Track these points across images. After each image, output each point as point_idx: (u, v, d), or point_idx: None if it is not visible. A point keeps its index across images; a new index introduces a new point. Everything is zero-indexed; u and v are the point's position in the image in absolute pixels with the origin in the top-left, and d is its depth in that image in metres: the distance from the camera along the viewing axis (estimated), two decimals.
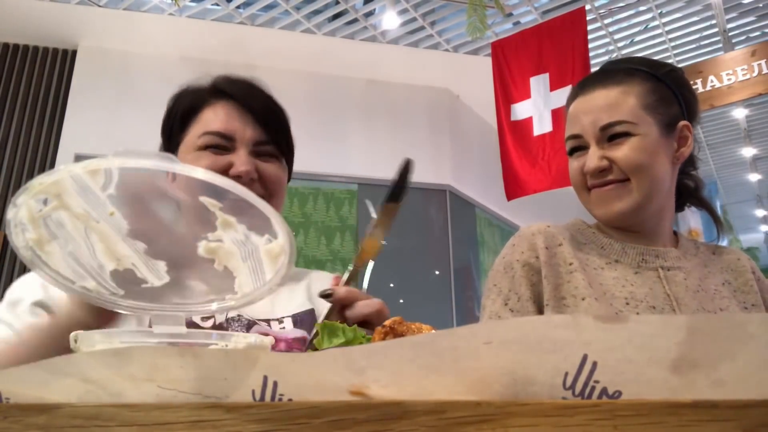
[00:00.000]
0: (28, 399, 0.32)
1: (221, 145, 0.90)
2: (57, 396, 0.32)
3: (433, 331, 0.49)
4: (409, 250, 4.25)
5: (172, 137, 0.95)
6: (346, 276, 0.79)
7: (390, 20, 4.19)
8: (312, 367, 0.29)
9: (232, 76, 0.96)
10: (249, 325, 0.84)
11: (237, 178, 0.86)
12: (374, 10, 4.26)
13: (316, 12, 4.23)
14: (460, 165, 4.90)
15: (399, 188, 0.82)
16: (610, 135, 1.02)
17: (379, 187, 4.45)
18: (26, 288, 0.83)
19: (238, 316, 0.85)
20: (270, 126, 0.94)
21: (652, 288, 1.00)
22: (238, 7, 4.11)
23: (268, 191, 0.92)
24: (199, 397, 0.30)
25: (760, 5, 4.27)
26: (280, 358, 0.30)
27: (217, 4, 4.08)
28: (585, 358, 0.27)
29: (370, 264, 0.81)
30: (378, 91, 4.75)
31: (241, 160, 0.88)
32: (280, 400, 0.29)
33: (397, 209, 0.83)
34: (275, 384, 0.29)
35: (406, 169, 0.81)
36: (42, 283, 0.81)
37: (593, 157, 1.02)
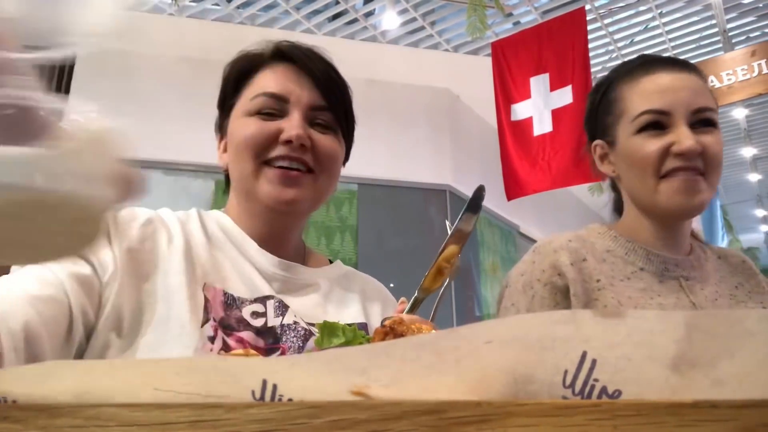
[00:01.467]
0: (28, 399, 0.32)
1: (273, 108, 0.81)
2: (57, 396, 0.32)
3: (433, 331, 0.49)
4: (409, 250, 4.25)
5: (225, 104, 0.88)
6: (409, 305, 0.75)
7: (390, 20, 4.19)
8: (312, 368, 0.29)
9: (296, 42, 0.88)
10: (306, 336, 0.77)
11: (287, 143, 0.79)
12: (374, 10, 4.26)
13: (316, 12, 4.23)
14: (460, 165, 4.90)
15: (473, 206, 0.78)
16: (701, 120, 0.94)
17: (379, 187, 4.45)
18: None
19: (294, 323, 0.78)
20: (329, 90, 0.85)
21: (678, 298, 0.97)
22: (238, 7, 4.11)
23: (320, 166, 0.82)
24: (199, 397, 0.30)
25: (760, 5, 4.28)
26: (280, 364, 0.30)
27: (217, 4, 4.08)
28: (584, 355, 0.27)
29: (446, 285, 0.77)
30: (378, 91, 4.75)
31: (291, 123, 0.80)
32: (279, 400, 0.30)
33: (470, 229, 0.79)
34: (275, 386, 0.30)
35: (479, 193, 0.77)
36: None
37: (690, 137, 0.92)
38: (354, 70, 4.43)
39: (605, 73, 1.11)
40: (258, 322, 0.76)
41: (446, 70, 4.81)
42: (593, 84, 1.20)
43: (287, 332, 0.76)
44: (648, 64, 1.00)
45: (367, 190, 4.48)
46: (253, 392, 0.30)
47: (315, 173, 0.83)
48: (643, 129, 0.96)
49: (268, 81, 0.83)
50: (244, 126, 0.82)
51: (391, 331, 0.47)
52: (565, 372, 0.27)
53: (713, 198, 7.06)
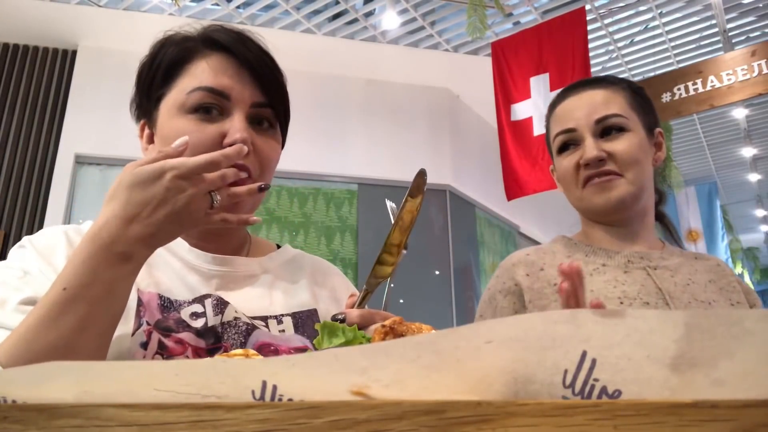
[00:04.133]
0: (28, 399, 0.32)
1: (213, 104, 0.76)
2: (57, 396, 0.32)
3: (433, 331, 0.49)
4: (409, 250, 4.24)
5: (151, 91, 0.81)
6: (360, 297, 0.72)
7: (390, 20, 4.19)
8: (312, 368, 0.29)
9: (226, 25, 0.82)
10: (248, 331, 0.74)
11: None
12: (374, 10, 4.26)
13: (316, 12, 4.23)
14: (460, 165, 4.90)
15: (413, 190, 0.77)
16: (606, 127, 1.05)
17: (379, 187, 4.45)
18: (8, 277, 0.69)
19: (235, 319, 0.75)
20: (269, 85, 0.81)
21: (643, 285, 1.02)
22: (238, 7, 4.11)
23: (259, 170, 0.78)
24: (198, 398, 0.30)
25: (760, 5, 4.27)
26: (279, 364, 0.30)
27: (217, 4, 4.09)
28: (584, 354, 0.27)
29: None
30: (378, 91, 4.75)
31: (236, 126, 0.75)
32: (280, 400, 0.30)
33: (414, 212, 0.77)
34: (275, 387, 0.30)
35: (420, 176, 0.76)
36: (34, 268, 0.69)
37: (592, 148, 1.04)
38: (354, 70, 4.45)
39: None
40: (198, 323, 0.73)
41: (446, 70, 4.81)
42: None
43: (228, 330, 0.74)
44: (563, 93, 1.13)
45: (367, 190, 4.48)
46: (253, 392, 0.30)
47: (254, 179, 0.79)
48: (561, 150, 1.10)
49: (205, 74, 0.78)
50: (182, 126, 0.76)
51: (391, 331, 0.47)
52: (565, 372, 0.27)
53: (714, 198, 7.06)
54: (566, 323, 0.27)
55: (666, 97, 4.27)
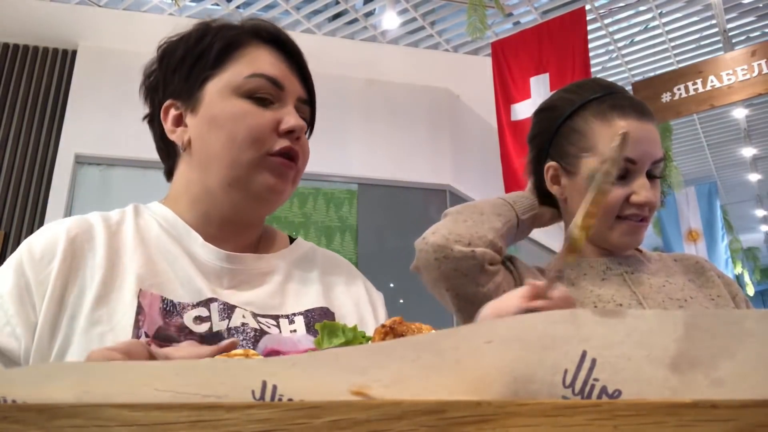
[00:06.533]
0: (28, 399, 0.32)
1: (270, 93, 0.78)
2: (57, 396, 0.32)
3: (433, 331, 0.49)
4: (409, 250, 4.24)
5: (194, 72, 0.80)
6: (551, 280, 0.69)
7: (390, 20, 4.19)
8: (312, 368, 0.29)
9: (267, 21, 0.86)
10: (256, 337, 0.72)
11: (288, 133, 0.78)
12: (374, 10, 4.26)
13: (316, 12, 4.23)
14: (460, 165, 4.90)
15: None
16: (652, 171, 1.01)
17: (379, 187, 4.46)
18: None
19: (243, 325, 0.72)
20: (311, 86, 0.86)
21: (618, 290, 1.03)
22: (238, 7, 4.11)
23: (303, 160, 0.82)
24: (198, 398, 0.30)
25: (760, 5, 4.27)
26: (279, 364, 0.30)
27: (217, 4, 4.09)
28: (584, 354, 0.27)
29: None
30: (378, 91, 4.75)
31: (290, 113, 0.78)
32: (280, 400, 0.30)
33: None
34: (275, 387, 0.30)
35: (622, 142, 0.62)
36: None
37: (648, 190, 1.00)
38: (354, 70, 4.45)
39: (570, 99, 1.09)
40: (202, 328, 0.71)
41: (446, 70, 4.81)
42: None
43: (235, 336, 0.72)
44: (619, 107, 1.02)
45: (367, 190, 4.48)
46: (253, 392, 0.30)
47: (298, 167, 0.82)
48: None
49: (264, 63, 0.80)
50: (239, 108, 0.77)
51: (391, 331, 0.47)
52: (565, 371, 0.27)
53: (714, 198, 7.06)
54: (566, 323, 0.27)
55: (666, 97, 4.27)
